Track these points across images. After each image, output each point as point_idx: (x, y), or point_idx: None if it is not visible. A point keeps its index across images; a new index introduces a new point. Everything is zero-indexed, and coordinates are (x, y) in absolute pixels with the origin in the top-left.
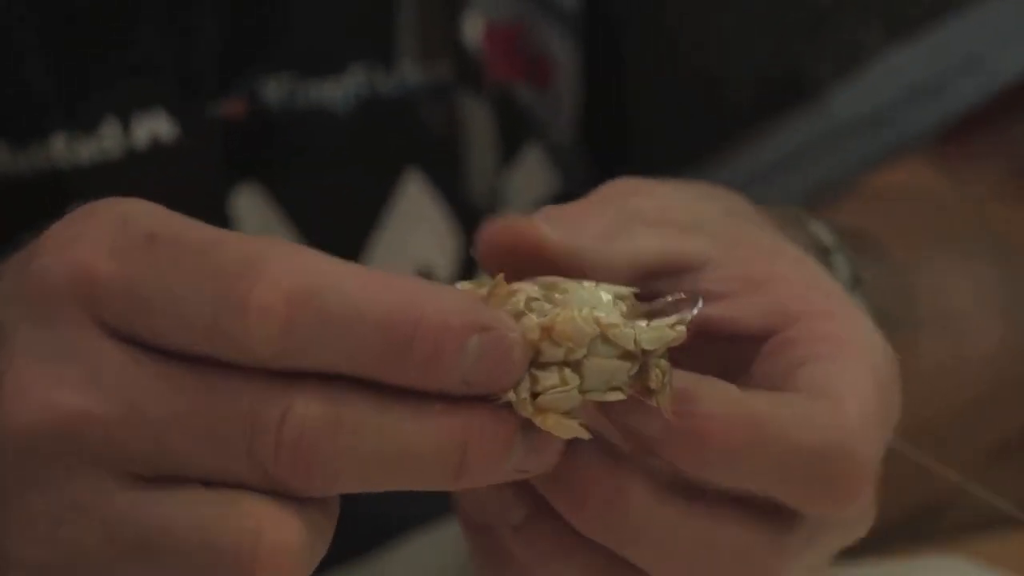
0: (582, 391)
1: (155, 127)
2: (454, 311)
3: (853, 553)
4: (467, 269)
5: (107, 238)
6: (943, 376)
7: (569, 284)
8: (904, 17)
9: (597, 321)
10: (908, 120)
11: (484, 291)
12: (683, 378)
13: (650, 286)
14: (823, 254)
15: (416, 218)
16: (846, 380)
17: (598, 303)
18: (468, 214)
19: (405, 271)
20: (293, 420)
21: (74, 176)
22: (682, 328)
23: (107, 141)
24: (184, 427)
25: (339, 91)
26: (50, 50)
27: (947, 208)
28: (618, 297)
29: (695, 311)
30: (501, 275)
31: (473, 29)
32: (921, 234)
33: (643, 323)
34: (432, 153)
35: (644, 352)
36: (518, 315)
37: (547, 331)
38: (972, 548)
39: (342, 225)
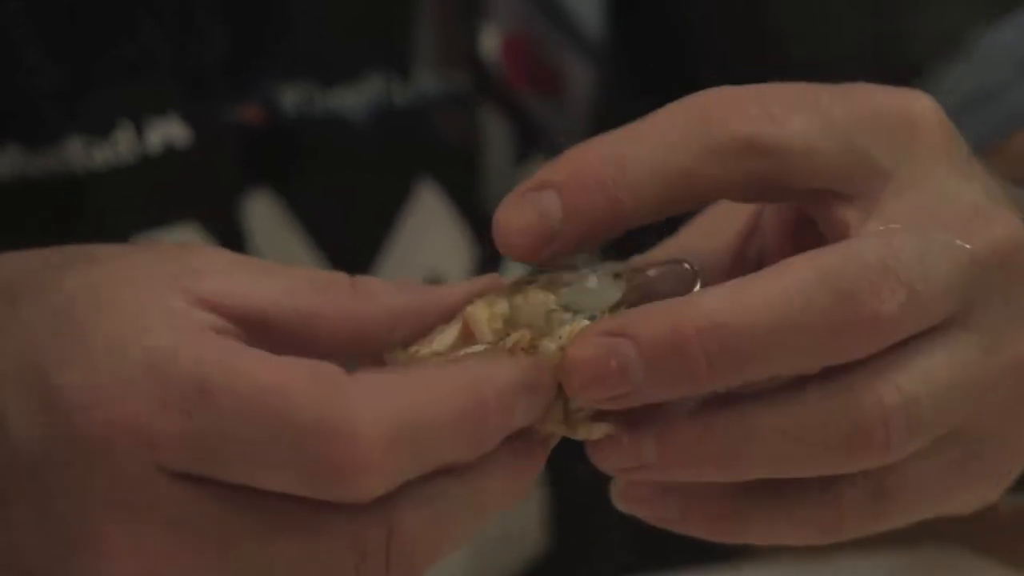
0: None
1: (169, 132)
2: (508, 388)
3: (855, 545)
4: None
5: (153, 389)
6: None
7: (570, 277)
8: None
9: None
10: (1016, 96)
11: (511, 341)
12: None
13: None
14: None
15: (429, 226)
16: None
17: (601, 292)
18: (481, 223)
19: (415, 279)
20: (401, 535)
21: (88, 180)
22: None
23: (121, 146)
24: (286, 567)
25: (356, 99)
26: (63, 55)
27: None
28: (616, 275)
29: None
30: (521, 335)
31: (490, 40)
32: None
33: None
34: (447, 162)
35: None
36: (535, 340)
37: (563, 350)
38: (972, 539)
39: (355, 232)
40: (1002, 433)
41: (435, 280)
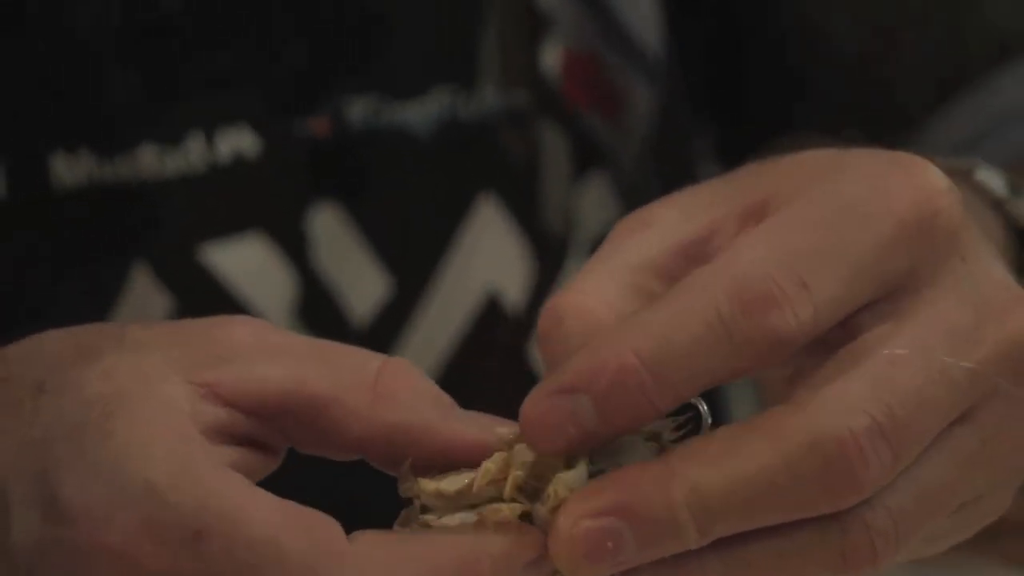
0: None
1: (239, 142)
2: (506, 565)
3: None
4: (537, 294)
5: (149, 523)
6: None
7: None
8: None
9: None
10: None
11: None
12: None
13: None
14: (996, 206)
15: (488, 242)
16: None
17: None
18: (541, 239)
19: (474, 295)
20: None
21: (159, 188)
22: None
23: (192, 155)
24: None
25: (422, 113)
26: (138, 63)
27: None
28: (649, 438)
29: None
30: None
31: (552, 57)
32: None
33: None
34: (508, 177)
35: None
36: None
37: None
38: (1006, 551)
39: (415, 246)
40: (991, 493)
41: (495, 296)
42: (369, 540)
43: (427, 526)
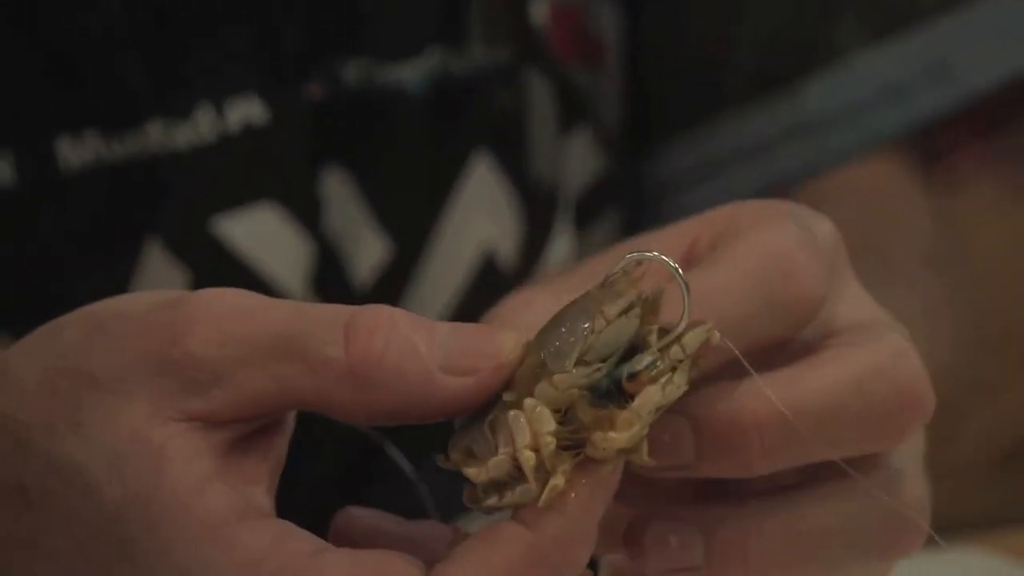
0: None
1: (248, 111)
2: (573, 549)
3: None
4: (527, 250)
5: None
6: None
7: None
8: (878, 19)
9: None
10: (876, 120)
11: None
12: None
13: None
14: None
15: (483, 199)
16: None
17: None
18: (531, 194)
19: (470, 254)
20: None
21: (169, 162)
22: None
23: (202, 126)
24: None
25: (414, 73)
26: (143, 39)
27: (899, 210)
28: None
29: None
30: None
31: (539, 12)
32: (867, 234)
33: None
34: (500, 134)
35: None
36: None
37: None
38: (995, 541)
39: (414, 206)
40: None
41: (490, 254)
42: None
43: (496, 508)
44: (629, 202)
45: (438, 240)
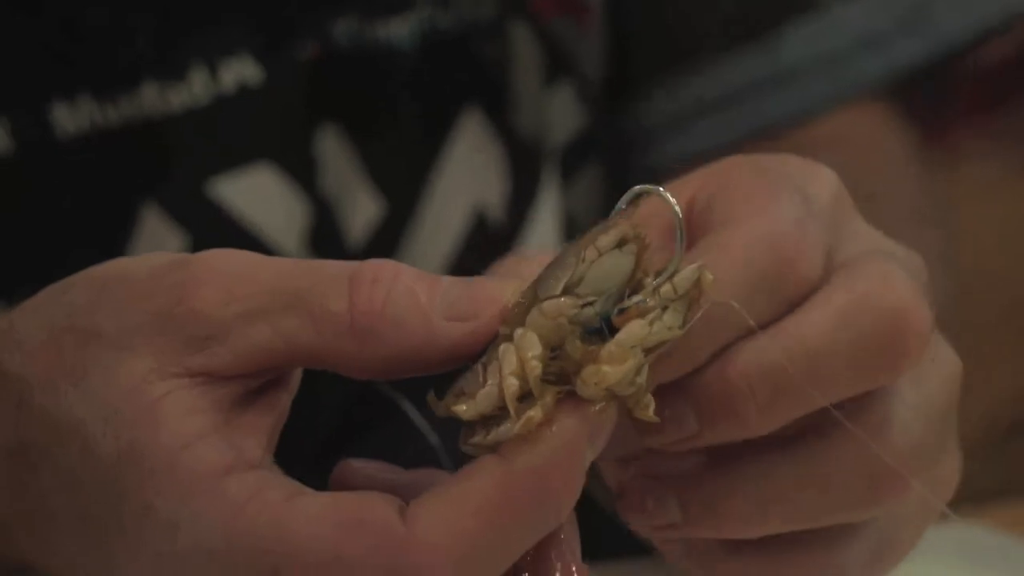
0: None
1: (242, 71)
2: (572, 460)
3: None
4: (515, 205)
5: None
6: None
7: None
8: None
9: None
10: (854, 70)
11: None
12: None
13: None
14: None
15: (473, 156)
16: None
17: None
18: (518, 149)
19: (462, 211)
20: None
21: (164, 124)
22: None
23: (196, 87)
24: None
25: (404, 28)
26: (136, 2)
27: (885, 163)
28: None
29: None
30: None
31: None
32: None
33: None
34: (488, 89)
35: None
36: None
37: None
38: (991, 514)
39: (406, 165)
40: None
41: (481, 211)
42: (424, 511)
43: (482, 447)
44: (611, 156)
45: (430, 198)
